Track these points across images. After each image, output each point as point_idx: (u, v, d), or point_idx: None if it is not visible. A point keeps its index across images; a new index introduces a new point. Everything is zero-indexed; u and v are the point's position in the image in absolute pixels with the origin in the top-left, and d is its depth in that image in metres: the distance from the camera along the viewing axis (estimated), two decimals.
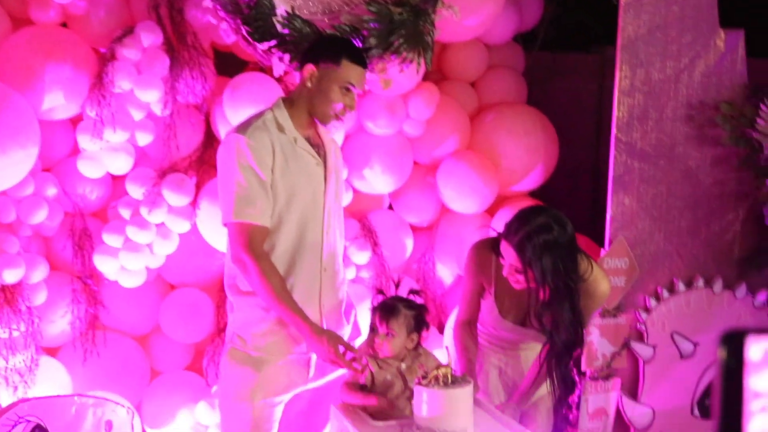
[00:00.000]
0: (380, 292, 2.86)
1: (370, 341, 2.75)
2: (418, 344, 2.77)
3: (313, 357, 2.81)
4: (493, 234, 2.92)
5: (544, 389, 3.01)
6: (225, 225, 2.70)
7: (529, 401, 3.04)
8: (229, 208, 2.65)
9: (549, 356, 2.85)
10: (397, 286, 2.92)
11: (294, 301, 2.65)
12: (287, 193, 2.69)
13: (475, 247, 2.98)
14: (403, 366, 2.73)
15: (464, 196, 3.98)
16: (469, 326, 3.03)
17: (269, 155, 2.65)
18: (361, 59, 2.78)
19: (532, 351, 3.00)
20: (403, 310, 2.75)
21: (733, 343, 0.92)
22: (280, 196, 2.68)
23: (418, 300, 2.85)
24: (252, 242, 2.62)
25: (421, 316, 2.77)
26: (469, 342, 3.02)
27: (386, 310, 2.75)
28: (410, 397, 2.70)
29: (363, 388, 2.71)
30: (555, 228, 2.70)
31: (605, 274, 2.90)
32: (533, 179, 4.22)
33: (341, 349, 2.66)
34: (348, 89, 2.72)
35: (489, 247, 2.92)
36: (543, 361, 2.87)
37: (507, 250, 2.75)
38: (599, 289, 2.84)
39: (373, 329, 2.74)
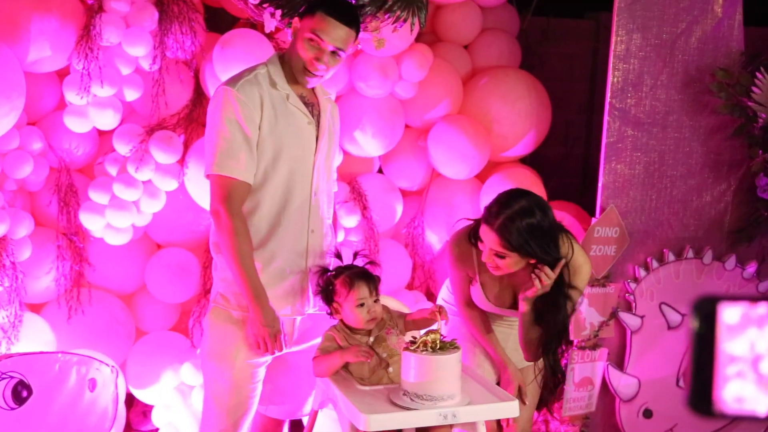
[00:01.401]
0: (338, 256, 2.84)
1: (355, 314, 2.71)
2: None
3: (298, 319, 2.79)
4: (468, 222, 2.92)
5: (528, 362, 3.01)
6: (207, 177, 2.68)
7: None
8: (211, 160, 2.62)
9: (540, 344, 2.85)
10: (355, 256, 2.90)
11: (255, 270, 2.63)
12: (274, 149, 2.65)
13: (453, 241, 2.98)
14: (371, 339, 2.73)
15: (455, 161, 3.95)
16: (471, 303, 3.02)
17: (257, 110, 2.61)
18: (337, 13, 2.66)
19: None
20: (373, 274, 2.77)
21: (706, 309, 0.93)
22: (266, 152, 2.65)
23: (375, 270, 2.85)
24: (231, 197, 2.60)
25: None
26: (476, 317, 3.02)
27: (368, 276, 2.75)
28: (386, 367, 2.70)
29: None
30: (537, 212, 2.70)
31: (586, 255, 2.89)
32: (525, 145, 4.18)
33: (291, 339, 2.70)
34: (313, 39, 2.64)
35: (466, 237, 2.91)
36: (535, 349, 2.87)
37: (488, 235, 2.73)
38: (581, 271, 2.85)
39: (361, 303, 2.71)
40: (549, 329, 2.82)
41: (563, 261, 2.73)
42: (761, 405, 0.92)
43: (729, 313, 0.92)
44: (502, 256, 2.72)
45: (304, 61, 2.67)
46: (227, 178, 2.60)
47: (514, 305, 2.93)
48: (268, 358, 2.76)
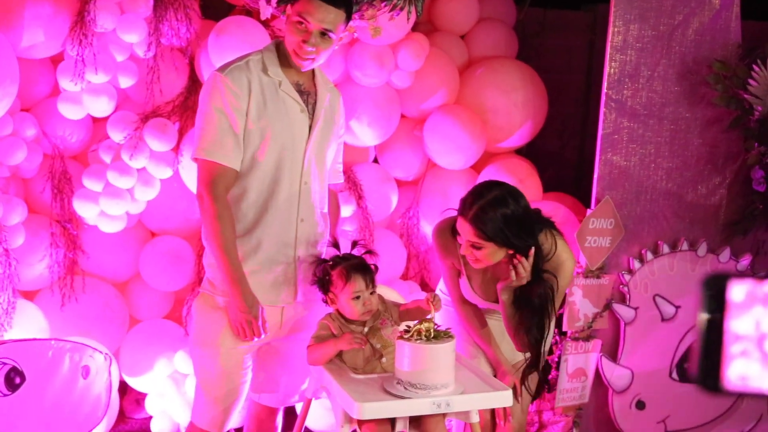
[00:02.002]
0: (335, 245, 2.84)
1: (351, 306, 2.71)
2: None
3: (285, 308, 2.79)
4: (453, 213, 2.91)
5: (520, 356, 3.01)
6: (193, 161, 2.70)
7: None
8: (197, 145, 2.64)
9: (525, 332, 2.85)
10: (353, 246, 2.89)
11: (236, 256, 2.63)
12: (262, 136, 2.65)
13: (436, 232, 2.98)
14: (365, 330, 2.72)
15: (450, 152, 3.94)
16: (464, 301, 3.01)
17: (244, 96, 2.60)
18: None
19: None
20: (370, 267, 2.76)
21: (715, 287, 0.93)
22: (254, 139, 2.64)
23: (373, 260, 2.84)
24: (215, 182, 2.60)
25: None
26: (471, 313, 3.01)
27: (365, 269, 2.74)
28: (379, 358, 2.70)
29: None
30: (510, 201, 2.70)
31: (570, 251, 2.89)
32: (521, 136, 4.18)
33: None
34: (301, 22, 2.62)
35: (448, 228, 2.90)
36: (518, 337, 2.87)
37: (463, 227, 2.73)
38: (564, 267, 2.85)
39: (357, 296, 2.70)
40: (529, 317, 2.81)
41: (533, 249, 2.72)
42: (766, 383, 0.92)
43: (736, 291, 0.92)
44: (478, 247, 2.72)
45: (293, 44, 2.65)
46: (212, 163, 2.61)
47: (495, 299, 2.92)
48: (253, 344, 2.75)
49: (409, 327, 2.59)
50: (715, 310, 0.92)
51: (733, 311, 0.91)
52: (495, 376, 2.95)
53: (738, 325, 0.92)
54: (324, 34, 2.63)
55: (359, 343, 2.63)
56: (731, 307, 0.92)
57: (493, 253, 2.73)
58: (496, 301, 2.91)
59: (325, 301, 2.78)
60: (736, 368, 0.92)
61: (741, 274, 0.95)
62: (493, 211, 2.66)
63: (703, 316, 0.92)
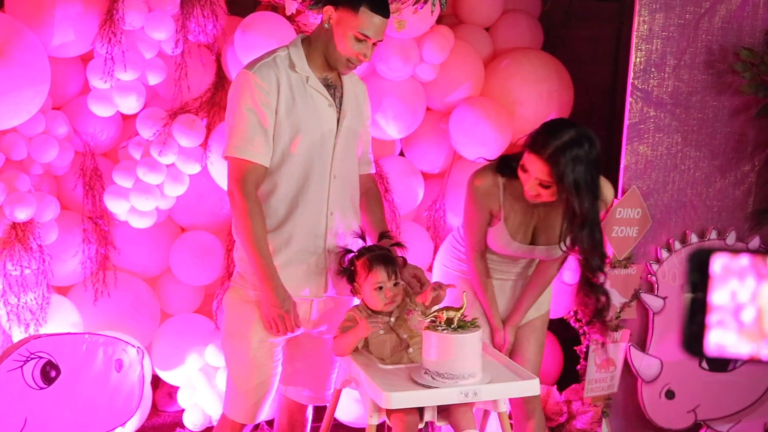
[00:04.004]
0: (362, 237, 2.86)
1: (373, 296, 2.73)
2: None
3: (315, 302, 2.81)
4: (484, 161, 2.91)
5: (534, 313, 3.08)
6: (224, 158, 2.73)
7: (521, 320, 3.12)
8: (228, 143, 2.68)
9: (584, 279, 2.89)
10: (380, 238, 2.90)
11: (267, 251, 2.66)
12: (292, 132, 2.68)
13: (476, 175, 2.96)
14: (392, 320, 2.74)
15: (476, 144, 3.94)
16: (482, 257, 3.03)
17: (273, 93, 2.64)
18: (381, 8, 2.69)
19: (533, 269, 3.10)
20: (395, 258, 2.78)
21: (700, 259, 0.97)
22: (284, 134, 2.67)
23: (401, 252, 2.87)
24: (245, 179, 2.64)
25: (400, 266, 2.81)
26: (482, 270, 3.05)
27: (388, 260, 2.76)
28: (406, 348, 2.72)
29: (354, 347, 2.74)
30: (585, 143, 2.68)
31: (608, 181, 2.93)
32: None
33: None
34: (363, 38, 2.68)
35: (491, 171, 2.90)
36: (579, 285, 2.92)
37: (535, 164, 2.71)
38: (607, 195, 2.90)
39: (379, 287, 2.72)
40: (594, 263, 2.83)
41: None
42: (743, 351, 0.97)
43: (716, 264, 0.97)
44: (547, 186, 2.71)
45: (349, 56, 2.70)
46: (242, 160, 2.64)
47: (533, 242, 2.96)
48: (284, 338, 2.79)
49: (436, 317, 2.61)
50: (698, 283, 0.97)
51: (713, 284, 0.97)
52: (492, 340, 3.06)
53: (716, 296, 0.97)
54: (375, 44, 2.72)
55: (375, 327, 2.66)
56: (712, 279, 0.97)
57: (557, 193, 2.74)
58: (527, 242, 2.95)
59: (352, 292, 2.81)
60: (714, 337, 0.97)
61: (722, 249, 0.98)
62: (570, 152, 2.65)
63: (688, 288, 0.98)
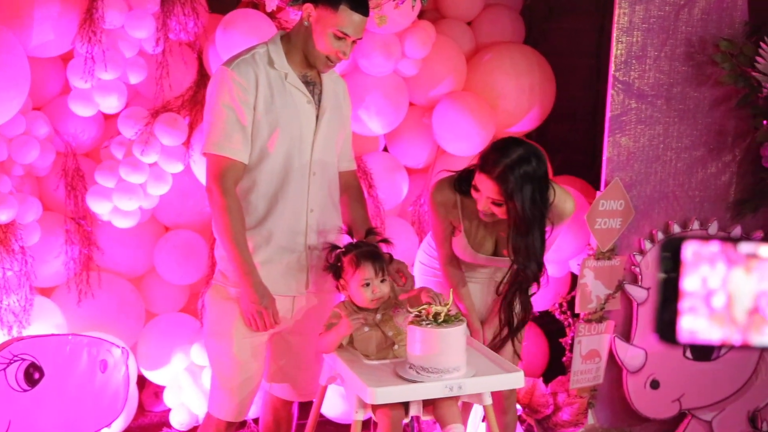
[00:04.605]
0: (349, 233, 2.86)
1: (360, 293, 2.73)
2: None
3: (297, 297, 2.81)
4: (447, 174, 2.94)
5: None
6: (203, 155, 2.74)
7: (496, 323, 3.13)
8: (206, 139, 2.68)
9: (514, 283, 2.94)
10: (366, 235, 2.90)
11: (247, 248, 2.67)
12: (270, 128, 2.68)
13: (436, 189, 3.01)
14: (378, 317, 2.74)
15: (460, 138, 3.95)
16: (453, 262, 3.05)
17: (251, 90, 2.64)
18: (361, 6, 2.70)
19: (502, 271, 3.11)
20: (382, 255, 2.79)
21: (672, 247, 0.99)
22: (263, 131, 2.68)
23: (388, 248, 2.88)
24: (224, 176, 2.64)
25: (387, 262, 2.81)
26: (454, 273, 3.08)
27: (375, 256, 2.75)
28: (392, 345, 2.72)
29: (339, 344, 2.73)
30: (533, 160, 2.75)
31: (569, 194, 2.98)
32: (530, 121, 4.18)
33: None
34: (342, 36, 2.68)
35: (449, 187, 2.94)
36: (508, 285, 2.95)
37: (485, 183, 2.77)
38: (566, 208, 2.94)
39: (366, 283, 2.72)
40: (530, 269, 2.88)
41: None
42: (714, 336, 0.99)
43: (687, 251, 0.99)
44: (499, 204, 2.77)
45: (328, 54, 2.70)
46: (221, 157, 2.65)
47: (494, 252, 3.01)
48: (266, 335, 2.78)
49: (420, 312, 2.61)
50: (671, 270, 0.98)
51: (685, 270, 0.99)
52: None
53: (687, 282, 0.98)
54: (354, 41, 2.73)
55: (356, 323, 2.66)
56: (684, 265, 0.98)
57: (509, 210, 2.78)
58: (489, 253, 3.00)
59: (338, 288, 2.81)
60: (686, 323, 0.99)
61: (693, 236, 1.00)
62: (518, 170, 2.71)
63: (661, 275, 0.99)
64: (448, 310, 2.57)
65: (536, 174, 2.74)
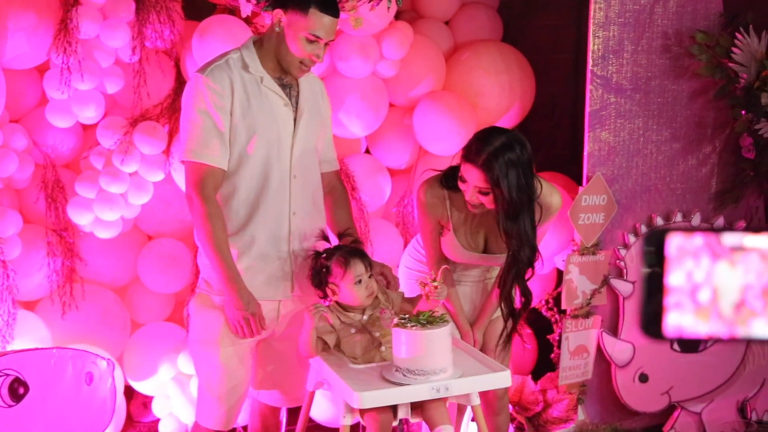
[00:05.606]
0: (325, 238, 2.85)
1: (353, 291, 2.72)
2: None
3: (282, 303, 2.80)
4: (433, 173, 2.94)
5: (499, 311, 3.08)
6: (181, 163, 2.75)
7: (487, 321, 3.13)
8: (184, 147, 2.67)
9: (511, 270, 2.91)
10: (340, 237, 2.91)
11: (229, 255, 2.65)
12: (248, 133, 2.67)
13: (423, 188, 3.00)
14: (365, 318, 2.74)
15: (441, 138, 3.94)
16: (442, 263, 3.04)
17: (227, 95, 2.63)
18: (330, 8, 2.69)
19: (493, 272, 3.13)
20: (365, 252, 2.81)
21: (656, 240, 0.98)
22: (240, 136, 2.66)
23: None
24: (203, 183, 2.62)
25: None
26: (447, 276, 3.04)
27: (362, 253, 2.76)
28: (378, 346, 2.71)
29: (325, 347, 2.72)
30: (516, 147, 2.76)
31: (555, 188, 2.98)
32: (510, 118, 4.18)
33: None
34: (312, 40, 2.66)
35: (437, 184, 2.94)
36: (505, 275, 2.92)
37: (471, 172, 2.77)
38: (553, 202, 2.94)
39: (359, 280, 2.71)
40: (523, 254, 2.87)
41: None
42: (701, 331, 0.98)
43: (671, 245, 0.98)
44: (485, 193, 2.78)
45: (302, 58, 2.69)
46: (200, 164, 2.64)
47: (485, 249, 3.01)
48: (252, 341, 2.77)
49: (405, 314, 2.60)
50: (655, 264, 0.98)
51: (669, 265, 0.98)
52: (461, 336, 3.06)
53: (672, 278, 0.98)
54: (327, 43, 2.72)
55: (318, 311, 2.66)
56: (668, 260, 0.98)
57: (496, 198, 2.79)
58: (480, 251, 3.00)
59: (323, 297, 2.79)
60: (672, 318, 0.98)
61: (676, 229, 0.98)
62: (502, 157, 2.72)
63: (645, 270, 0.99)
64: (436, 286, 2.59)
65: (520, 160, 2.75)
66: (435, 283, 2.64)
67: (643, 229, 3.74)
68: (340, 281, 2.72)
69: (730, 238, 0.97)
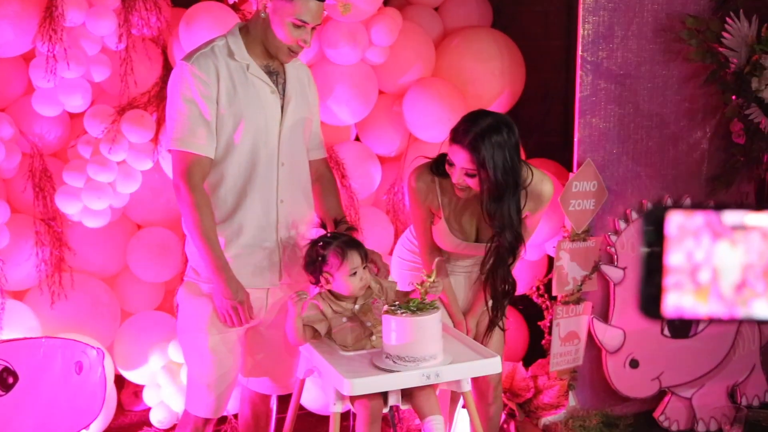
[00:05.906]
0: (322, 226, 2.84)
1: (348, 282, 2.71)
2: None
3: (270, 291, 2.79)
4: (424, 160, 2.93)
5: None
6: (168, 152, 2.72)
7: (481, 310, 3.10)
8: (170, 135, 2.65)
9: (492, 254, 2.89)
10: (336, 225, 2.89)
11: (217, 243, 2.64)
12: (235, 121, 2.65)
13: (414, 176, 2.98)
14: (356, 308, 2.73)
15: (431, 125, 3.93)
16: (434, 251, 3.03)
17: (213, 83, 2.61)
18: None
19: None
20: (362, 243, 2.78)
21: (655, 217, 0.96)
22: (227, 124, 2.65)
23: (356, 236, 2.87)
24: (190, 171, 2.61)
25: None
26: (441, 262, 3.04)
27: (359, 244, 2.75)
28: (369, 335, 2.71)
29: (316, 335, 2.71)
30: (504, 129, 2.74)
31: (547, 176, 2.95)
32: (501, 105, 4.16)
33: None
34: (299, 25, 2.64)
35: (427, 171, 2.93)
36: (486, 258, 2.91)
37: (458, 154, 2.76)
38: (544, 190, 2.91)
39: (354, 272, 2.70)
40: (505, 239, 2.85)
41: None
42: (701, 311, 0.97)
43: (671, 223, 0.96)
44: (472, 175, 2.76)
45: (289, 44, 2.67)
46: (186, 152, 2.62)
47: (477, 239, 2.99)
48: (241, 329, 2.76)
49: (394, 301, 2.60)
50: (654, 243, 0.96)
51: (669, 244, 0.96)
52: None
53: (671, 257, 0.96)
54: (314, 28, 2.69)
55: (302, 299, 2.65)
56: (668, 239, 0.96)
57: (482, 181, 2.77)
58: (471, 240, 2.98)
59: (315, 283, 2.78)
60: (671, 299, 0.97)
61: (676, 207, 0.96)
62: (489, 138, 2.70)
63: (644, 249, 0.97)
64: (433, 282, 2.58)
65: (508, 142, 2.73)
66: (431, 279, 2.62)
67: (634, 215, 3.74)
68: (335, 271, 2.71)
69: (731, 217, 0.95)
